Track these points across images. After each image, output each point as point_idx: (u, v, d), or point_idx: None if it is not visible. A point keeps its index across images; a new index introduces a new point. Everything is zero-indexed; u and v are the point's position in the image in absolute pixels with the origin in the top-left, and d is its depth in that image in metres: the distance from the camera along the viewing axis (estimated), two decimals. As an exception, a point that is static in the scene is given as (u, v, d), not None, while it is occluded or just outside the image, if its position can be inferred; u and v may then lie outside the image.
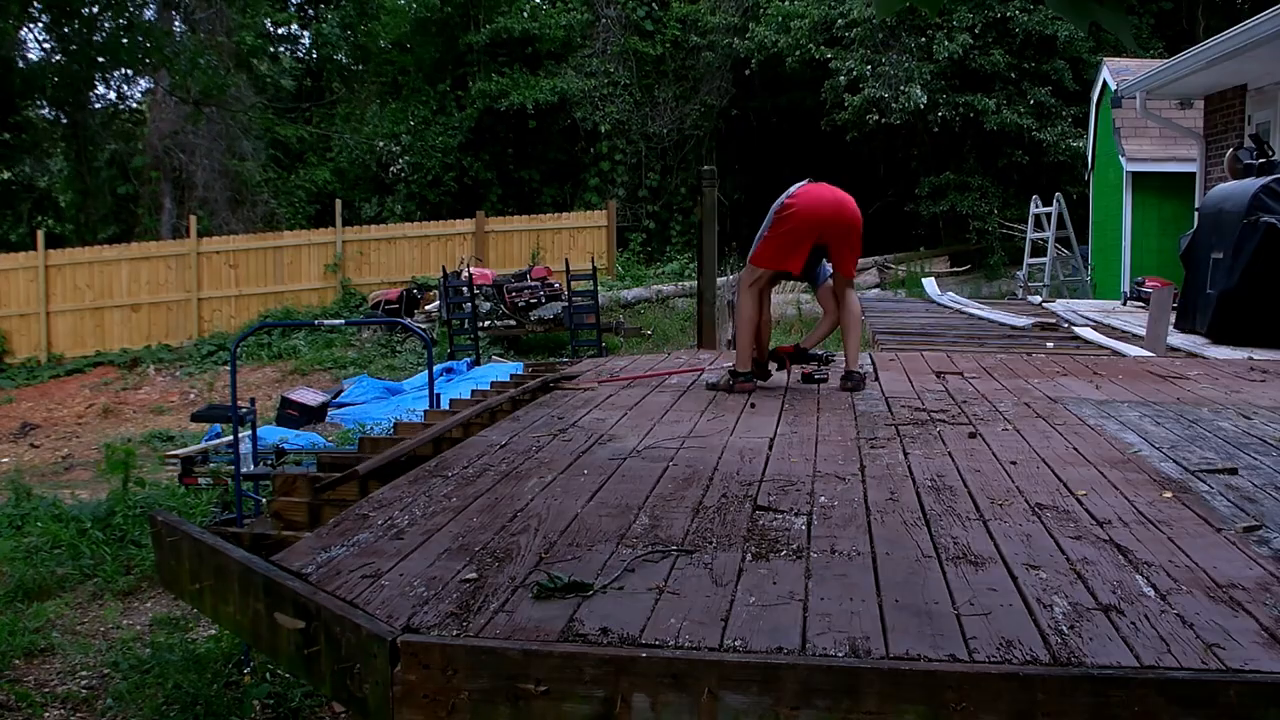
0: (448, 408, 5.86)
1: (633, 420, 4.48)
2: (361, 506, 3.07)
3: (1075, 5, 1.92)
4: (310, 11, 26.20)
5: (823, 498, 3.14)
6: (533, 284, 15.83)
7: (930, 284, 15.75)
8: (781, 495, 3.16)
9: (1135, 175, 14.62)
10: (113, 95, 23.28)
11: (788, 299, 16.05)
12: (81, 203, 21.79)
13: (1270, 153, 9.15)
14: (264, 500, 5.76)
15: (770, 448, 3.89)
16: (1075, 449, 3.85)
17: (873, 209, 22.83)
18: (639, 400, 5.03)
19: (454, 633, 2.04)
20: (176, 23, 21.57)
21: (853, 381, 5.43)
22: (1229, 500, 3.10)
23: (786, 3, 20.95)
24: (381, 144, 22.74)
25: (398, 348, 16.52)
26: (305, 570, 2.41)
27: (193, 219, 19.24)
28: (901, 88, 19.26)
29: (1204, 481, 3.33)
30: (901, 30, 19.79)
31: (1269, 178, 8.03)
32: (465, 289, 15.34)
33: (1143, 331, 8.34)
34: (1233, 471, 3.46)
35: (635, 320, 16.61)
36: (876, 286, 19.31)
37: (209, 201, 20.96)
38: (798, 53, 20.50)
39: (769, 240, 5.52)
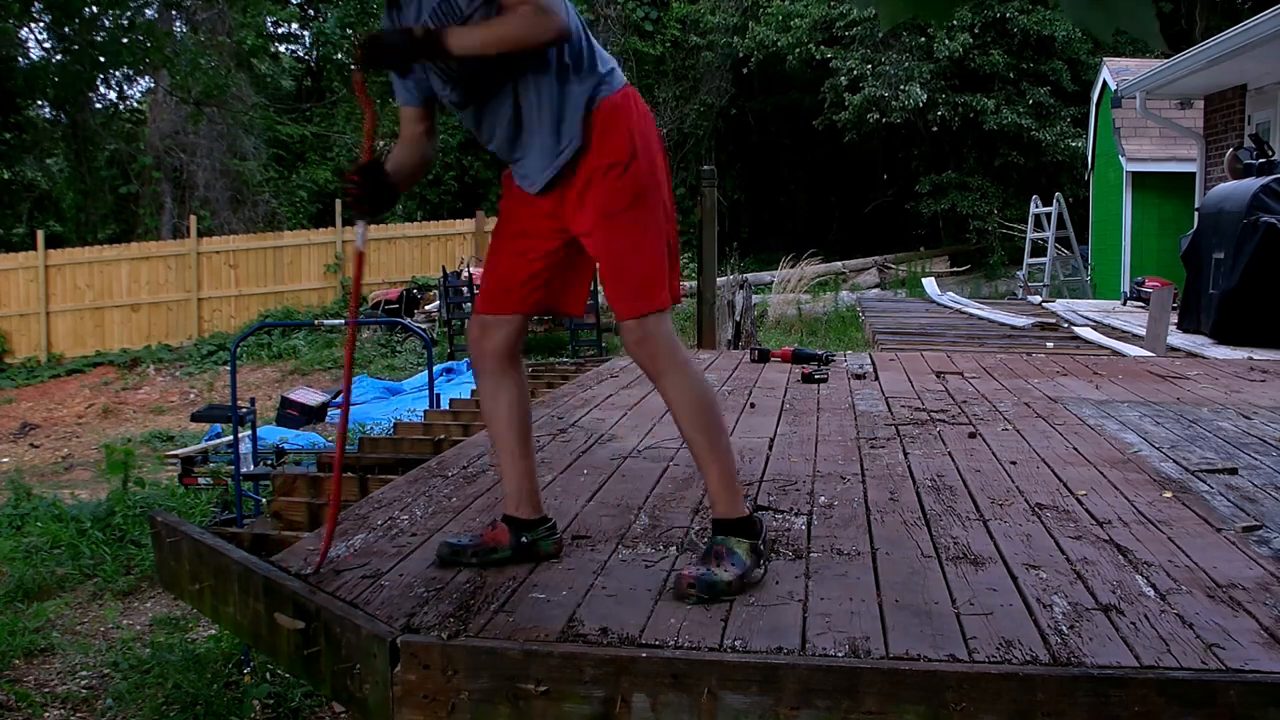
0: (447, 408, 5.87)
1: (633, 420, 4.48)
2: (361, 506, 3.07)
3: (1094, 9, 1.84)
4: (311, 10, 26.18)
5: (823, 498, 3.14)
6: (533, 284, 15.79)
7: (930, 284, 15.75)
8: (781, 495, 3.16)
9: (1135, 175, 14.61)
10: (113, 95, 23.27)
11: (787, 299, 16.03)
12: (81, 203, 21.75)
13: (1270, 153, 9.14)
14: (264, 500, 5.76)
15: (770, 448, 3.89)
16: (1075, 449, 3.85)
17: (871, 208, 22.88)
18: (639, 400, 5.02)
19: (454, 633, 2.04)
20: (177, 23, 21.54)
21: None
22: (1229, 500, 3.10)
23: (787, 2, 20.95)
24: (382, 143, 22.72)
25: (398, 348, 16.50)
26: (305, 570, 2.42)
27: (193, 219, 19.22)
28: (901, 87, 19.27)
29: (1204, 481, 3.33)
30: (901, 29, 19.79)
31: (1269, 178, 8.03)
32: (465, 289, 15.34)
33: (1143, 331, 8.33)
34: (1233, 471, 3.46)
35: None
36: (876, 286, 19.31)
37: (210, 201, 20.94)
38: (798, 51, 20.50)
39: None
